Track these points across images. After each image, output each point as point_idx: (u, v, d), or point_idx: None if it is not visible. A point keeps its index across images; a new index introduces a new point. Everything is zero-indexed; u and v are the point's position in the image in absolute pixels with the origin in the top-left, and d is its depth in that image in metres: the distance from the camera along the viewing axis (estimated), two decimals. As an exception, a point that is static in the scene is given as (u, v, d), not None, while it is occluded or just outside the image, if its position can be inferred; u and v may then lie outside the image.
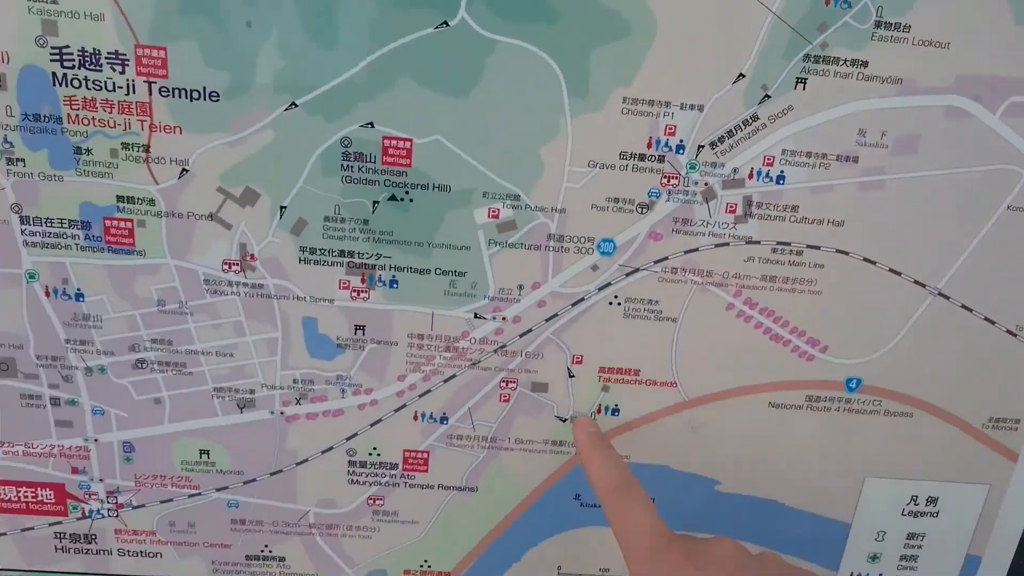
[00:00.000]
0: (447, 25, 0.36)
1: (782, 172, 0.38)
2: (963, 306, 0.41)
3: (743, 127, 0.37)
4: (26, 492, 0.43)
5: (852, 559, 0.48)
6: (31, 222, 0.38)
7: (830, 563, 0.48)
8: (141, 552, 0.45)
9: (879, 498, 0.47)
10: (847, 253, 0.40)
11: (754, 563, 0.34)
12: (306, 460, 0.44)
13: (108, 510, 0.44)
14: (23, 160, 0.37)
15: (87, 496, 0.44)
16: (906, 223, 0.39)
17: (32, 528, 0.44)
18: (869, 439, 0.45)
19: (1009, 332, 0.42)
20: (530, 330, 0.41)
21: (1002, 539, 0.47)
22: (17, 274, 0.39)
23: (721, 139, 0.38)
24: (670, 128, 0.37)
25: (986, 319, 0.42)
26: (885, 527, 0.47)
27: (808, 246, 0.40)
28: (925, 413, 0.44)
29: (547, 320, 0.41)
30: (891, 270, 0.41)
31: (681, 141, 0.38)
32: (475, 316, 0.41)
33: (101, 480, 0.43)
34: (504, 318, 0.41)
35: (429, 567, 0.47)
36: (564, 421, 0.43)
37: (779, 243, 0.40)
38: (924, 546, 0.48)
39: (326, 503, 0.45)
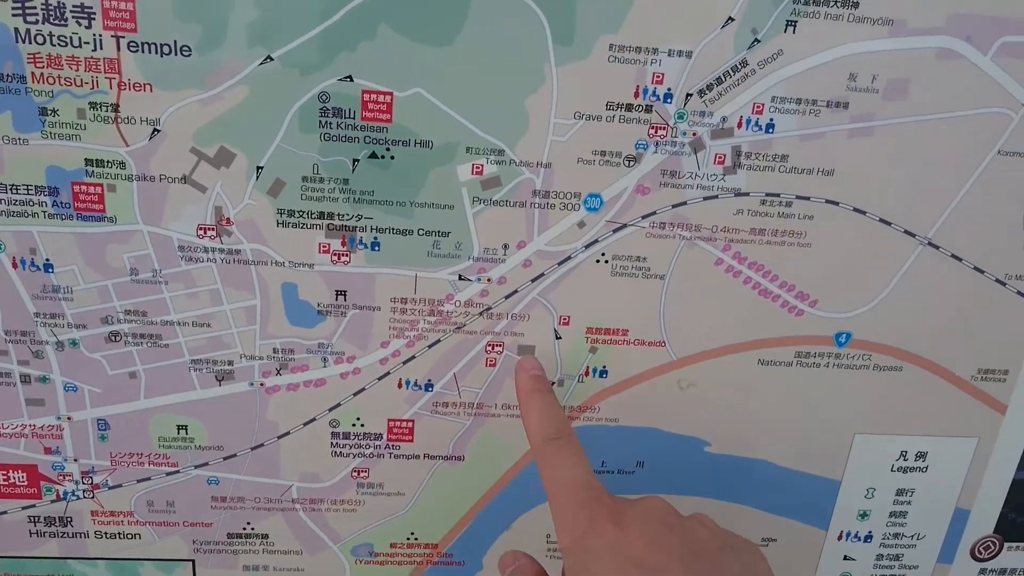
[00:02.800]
0: (426, -28, 0.35)
1: (772, 120, 0.38)
2: (953, 255, 0.41)
3: (732, 73, 0.37)
4: (-4, 475, 0.42)
5: (842, 517, 0.48)
6: (-6, 188, 0.36)
7: (820, 523, 0.48)
8: (119, 534, 0.44)
9: (869, 454, 0.46)
10: (837, 203, 0.40)
11: (681, 523, 0.33)
12: (288, 433, 0.42)
13: (83, 491, 0.43)
14: (-16, 122, 0.35)
15: (61, 477, 0.42)
16: (896, 171, 0.39)
17: (5, 512, 0.43)
18: (859, 395, 0.44)
19: (999, 281, 0.42)
20: (516, 291, 0.40)
21: (991, 492, 0.47)
22: (-19, 244, 0.37)
23: (710, 87, 0.37)
24: (658, 76, 0.37)
25: (976, 268, 0.41)
26: (875, 484, 0.47)
27: (798, 197, 0.39)
28: (914, 367, 0.44)
29: (533, 280, 0.40)
30: (881, 220, 0.40)
31: (669, 90, 0.37)
32: (459, 278, 0.40)
33: (75, 460, 0.42)
34: (489, 279, 0.40)
35: (416, 539, 0.46)
36: (553, 385, 0.42)
37: (768, 194, 0.39)
38: (913, 502, 0.48)
39: (309, 477, 0.43)
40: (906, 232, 0.41)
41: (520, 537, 0.46)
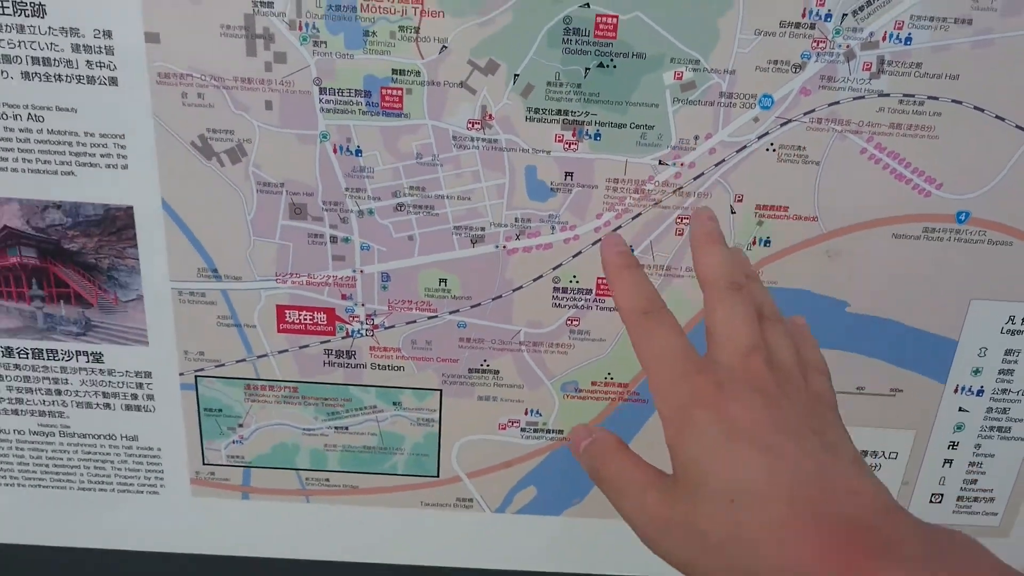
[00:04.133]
0: (649, -76, 0.47)
1: (909, 35, 0.49)
2: (1055, 143, 0.52)
3: (880, -4, 0.48)
4: (305, 315, 0.56)
5: (958, 372, 0.59)
6: (327, 92, 0.51)
7: (939, 376, 0.59)
8: (389, 366, 0.58)
9: (982, 318, 0.57)
10: (960, 103, 0.51)
11: (783, 392, 0.33)
12: (520, 287, 0.55)
13: (366, 330, 0.57)
14: (325, 42, 0.49)
15: (351, 319, 0.56)
16: (1010, 76, 0.50)
17: (307, 346, 0.57)
18: (975, 265, 0.55)
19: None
20: (702, 174, 0.53)
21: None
22: (313, 135, 0.52)
23: (861, 7, 0.49)
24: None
25: (1074, 154, 0.52)
26: (987, 344, 0.58)
27: (929, 97, 0.51)
28: (1022, 242, 0.55)
29: (716, 165, 0.53)
30: (997, 116, 0.51)
31: (829, 11, 0.49)
32: (659, 163, 0.52)
33: (363, 305, 0.56)
34: (682, 164, 0.52)
35: (612, 379, 0.58)
36: (726, 251, 0.54)
37: (905, 95, 0.51)
38: (1019, 361, 0.58)
39: (534, 324, 0.57)
40: (1017, 127, 0.51)
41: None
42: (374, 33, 0.49)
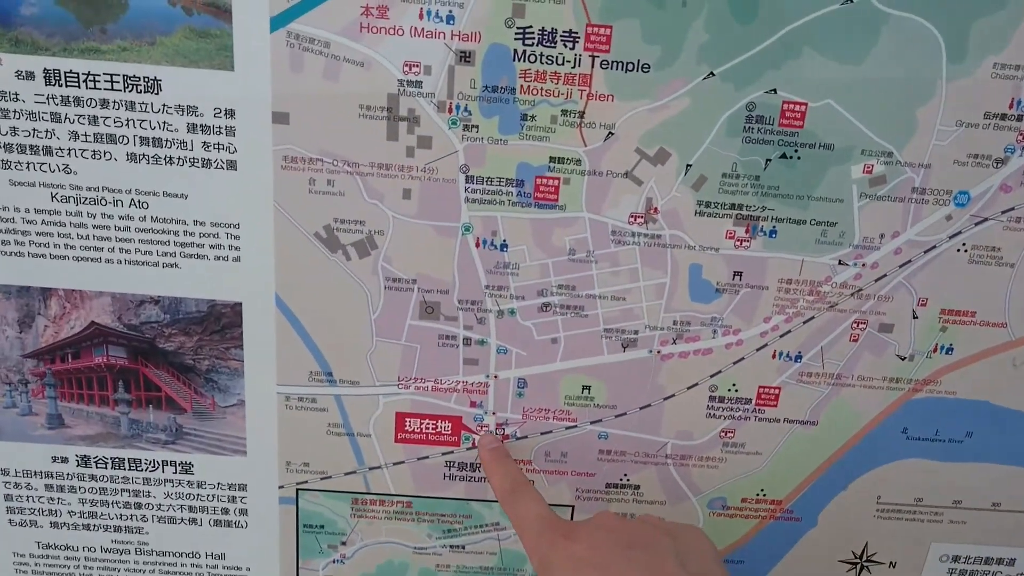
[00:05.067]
0: (851, 1, 0.42)
1: None
2: None
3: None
4: (428, 424, 0.50)
5: None
6: (473, 180, 0.45)
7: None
8: (517, 480, 0.51)
9: None
10: None
11: (623, 525, 0.40)
12: (672, 395, 0.49)
13: (495, 441, 0.50)
14: (477, 126, 0.44)
15: (479, 428, 0.50)
16: None
17: (427, 457, 0.51)
18: None
19: None
20: (884, 275, 0.47)
21: None
22: (454, 227, 0.46)
23: (1082, 99, 0.43)
24: (1034, 90, 0.43)
25: None
26: None
27: None
28: None
29: (900, 266, 0.47)
30: None
31: (1043, 102, 0.43)
32: (839, 263, 0.47)
33: (493, 413, 0.50)
34: (864, 264, 0.47)
35: (764, 495, 0.52)
36: (903, 360, 0.49)
37: (1118, 193, 0.45)
38: None
39: (683, 435, 0.50)
40: None
41: (854, 496, 0.52)
42: (533, 117, 0.43)
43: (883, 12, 0.42)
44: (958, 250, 0.47)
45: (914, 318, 0.48)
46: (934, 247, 0.46)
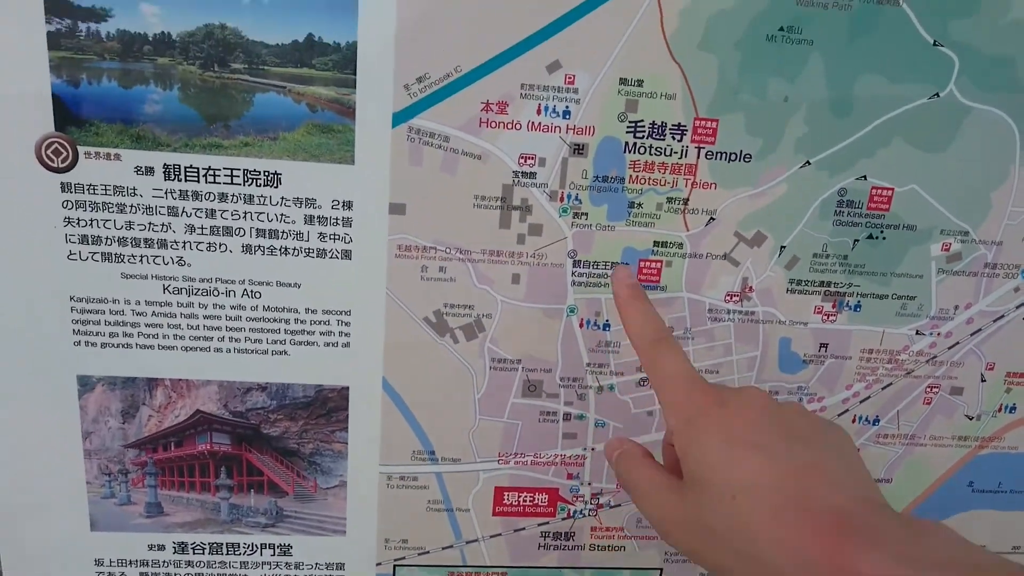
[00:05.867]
0: (938, 96, 0.45)
1: None
2: None
3: None
4: (525, 497, 0.51)
5: None
6: (580, 265, 0.46)
7: None
8: (609, 546, 0.53)
9: None
10: None
11: (778, 409, 0.36)
12: (758, 461, 0.51)
13: (589, 511, 0.52)
14: (586, 214, 0.45)
15: (575, 499, 0.51)
16: None
17: (523, 529, 0.52)
18: None
19: None
20: (957, 343, 0.50)
21: None
22: (560, 309, 0.47)
23: None
24: (1103, 173, 0.47)
25: None
26: None
27: None
28: None
29: (971, 335, 0.50)
30: None
31: (1107, 182, 0.47)
32: (916, 333, 0.50)
33: (589, 484, 0.51)
34: (939, 333, 0.50)
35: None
36: (971, 419, 0.52)
37: None
38: None
39: (767, 498, 0.53)
40: None
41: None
42: (640, 205, 0.45)
43: (966, 105, 0.45)
44: (1023, 319, 0.50)
45: (982, 381, 0.51)
46: (1002, 316, 0.50)
